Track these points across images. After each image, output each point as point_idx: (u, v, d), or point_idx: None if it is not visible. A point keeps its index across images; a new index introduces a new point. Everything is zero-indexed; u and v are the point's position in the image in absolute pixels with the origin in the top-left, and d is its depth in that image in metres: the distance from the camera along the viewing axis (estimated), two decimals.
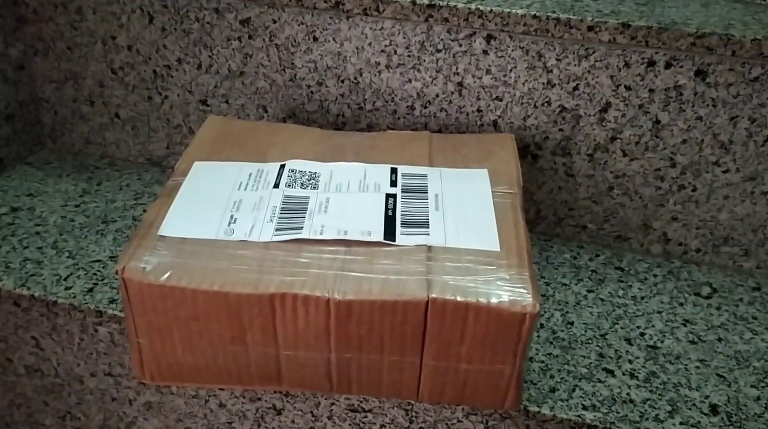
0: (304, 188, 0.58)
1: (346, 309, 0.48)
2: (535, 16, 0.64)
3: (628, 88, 0.66)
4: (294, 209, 0.55)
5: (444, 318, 0.49)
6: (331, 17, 0.70)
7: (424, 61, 0.70)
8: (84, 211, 0.76)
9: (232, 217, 0.55)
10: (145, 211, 0.76)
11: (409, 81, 0.71)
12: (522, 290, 0.49)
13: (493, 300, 0.48)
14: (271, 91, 0.76)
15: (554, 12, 0.64)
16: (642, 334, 0.63)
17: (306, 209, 0.55)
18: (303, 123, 0.77)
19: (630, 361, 0.60)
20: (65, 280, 0.66)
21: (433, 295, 0.48)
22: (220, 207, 0.56)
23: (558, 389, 0.57)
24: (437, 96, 0.71)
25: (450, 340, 0.49)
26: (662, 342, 0.62)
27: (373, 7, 0.67)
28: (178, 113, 0.81)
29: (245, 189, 0.58)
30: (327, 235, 0.52)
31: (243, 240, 0.52)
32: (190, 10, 0.74)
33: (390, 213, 0.55)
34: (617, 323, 0.64)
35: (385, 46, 0.70)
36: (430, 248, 0.52)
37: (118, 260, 0.51)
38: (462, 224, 0.54)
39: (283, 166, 0.60)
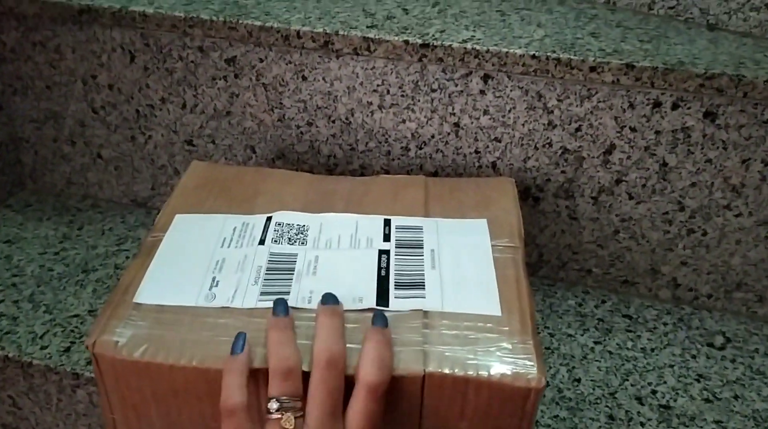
0: (292, 244, 0.54)
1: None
2: (534, 56, 0.61)
3: (633, 129, 0.62)
4: (280, 269, 0.52)
5: (442, 393, 0.45)
6: (320, 56, 0.67)
7: (419, 101, 0.66)
8: (63, 260, 0.72)
9: (213, 279, 0.51)
10: (127, 257, 0.73)
11: (404, 121, 0.68)
12: (526, 362, 0.45)
13: (495, 373, 0.44)
14: (259, 132, 0.73)
15: (554, 51, 0.61)
16: (654, 393, 0.59)
17: (293, 270, 0.52)
18: (293, 164, 0.74)
19: (642, 424, 0.56)
20: (41, 338, 0.62)
21: (430, 369, 0.44)
22: (202, 267, 0.52)
23: None
24: (433, 137, 0.68)
25: (448, 417, 0.46)
26: (675, 401, 0.59)
27: (364, 46, 0.64)
28: (163, 153, 0.77)
29: (229, 246, 0.54)
30: (315, 303, 0.49)
31: (225, 306, 0.49)
32: (173, 48, 0.70)
33: (383, 273, 0.52)
34: (627, 379, 0.61)
35: (378, 85, 0.67)
36: (426, 313, 0.48)
37: (89, 333, 0.47)
38: (460, 284, 0.51)
39: (269, 219, 0.57)
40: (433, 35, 0.63)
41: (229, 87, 0.71)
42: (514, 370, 0.44)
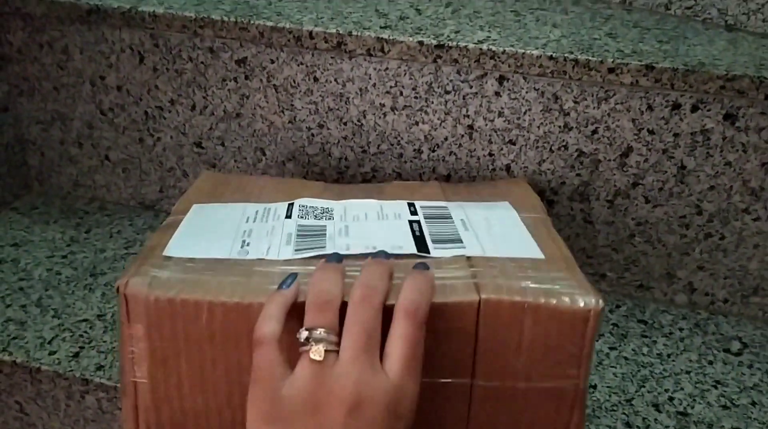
0: (319, 219, 0.52)
1: (385, 319, 0.42)
2: (551, 57, 0.60)
3: (651, 131, 0.61)
4: (311, 235, 0.50)
5: (498, 322, 0.42)
6: (332, 57, 0.66)
7: (432, 102, 0.65)
8: (71, 263, 0.72)
9: (244, 241, 0.49)
10: None
11: (416, 123, 0.67)
12: (581, 288, 0.43)
13: (551, 298, 0.42)
14: (269, 134, 0.72)
15: (572, 53, 0.60)
16: (671, 399, 0.58)
17: (325, 234, 0.50)
18: (303, 166, 0.73)
19: None
20: (49, 343, 0.61)
21: (485, 296, 0.42)
22: (230, 234, 0.50)
23: None
24: (446, 139, 0.67)
25: (505, 350, 0.43)
26: (692, 408, 0.58)
27: (378, 47, 0.63)
28: (172, 156, 0.77)
29: (254, 221, 0.52)
30: (354, 251, 0.47)
31: (260, 258, 0.47)
32: (182, 49, 0.69)
33: (417, 234, 0.50)
34: (643, 386, 0.60)
35: (391, 87, 0.66)
36: (469, 258, 0.46)
37: (119, 278, 0.44)
38: (497, 239, 0.49)
39: (291, 205, 0.55)
40: (448, 36, 0.62)
41: (240, 88, 0.70)
42: (571, 295, 0.42)
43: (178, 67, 0.71)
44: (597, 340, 0.65)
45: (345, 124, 0.69)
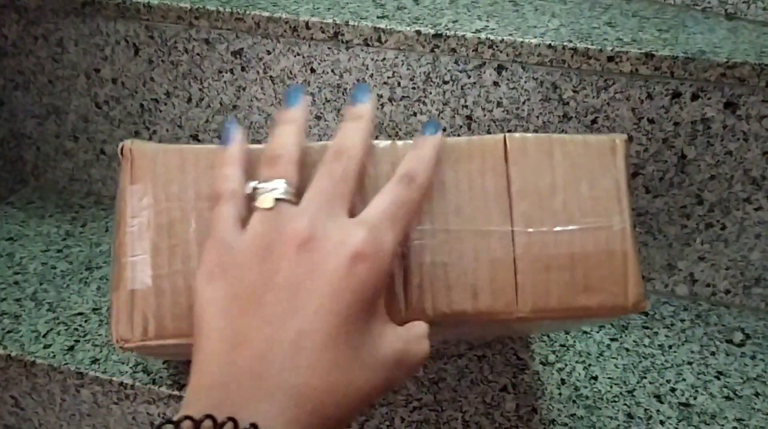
0: None
1: None
2: (550, 46, 0.59)
3: (651, 121, 0.61)
4: None
5: (527, 158, 0.41)
6: (329, 48, 0.65)
7: (431, 93, 0.65)
8: (67, 257, 0.71)
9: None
10: None
11: (414, 114, 0.66)
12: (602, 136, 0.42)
13: (577, 136, 0.41)
14: (266, 126, 0.71)
15: (570, 41, 0.59)
16: (673, 390, 0.58)
17: None
18: None
19: (662, 422, 0.55)
20: (44, 336, 0.61)
21: (510, 133, 0.41)
22: None
23: None
24: (444, 130, 0.66)
25: (540, 190, 0.41)
26: (695, 399, 0.57)
27: (375, 37, 0.62)
28: None
29: None
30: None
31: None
32: (178, 41, 0.69)
33: None
34: (645, 377, 0.59)
35: (388, 77, 0.65)
36: None
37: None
38: None
39: None
40: (446, 25, 0.62)
41: (236, 80, 0.70)
42: (595, 135, 0.42)
43: (173, 59, 0.70)
44: (598, 332, 0.64)
45: (343, 115, 0.68)
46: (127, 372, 0.57)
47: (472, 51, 0.61)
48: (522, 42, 0.60)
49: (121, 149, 0.40)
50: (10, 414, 0.64)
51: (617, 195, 0.41)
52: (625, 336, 0.64)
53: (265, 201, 0.35)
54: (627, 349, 0.62)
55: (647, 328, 0.65)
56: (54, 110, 0.77)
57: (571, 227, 0.41)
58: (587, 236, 0.40)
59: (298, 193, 0.36)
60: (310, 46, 0.65)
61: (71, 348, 0.60)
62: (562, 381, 0.58)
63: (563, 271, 0.40)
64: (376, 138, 0.70)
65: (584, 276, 0.41)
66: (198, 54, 0.69)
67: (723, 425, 0.55)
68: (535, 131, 0.64)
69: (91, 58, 0.73)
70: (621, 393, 0.58)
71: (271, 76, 0.68)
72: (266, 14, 0.64)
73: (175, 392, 0.56)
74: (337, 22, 0.63)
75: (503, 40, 0.60)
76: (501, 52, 0.61)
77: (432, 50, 0.62)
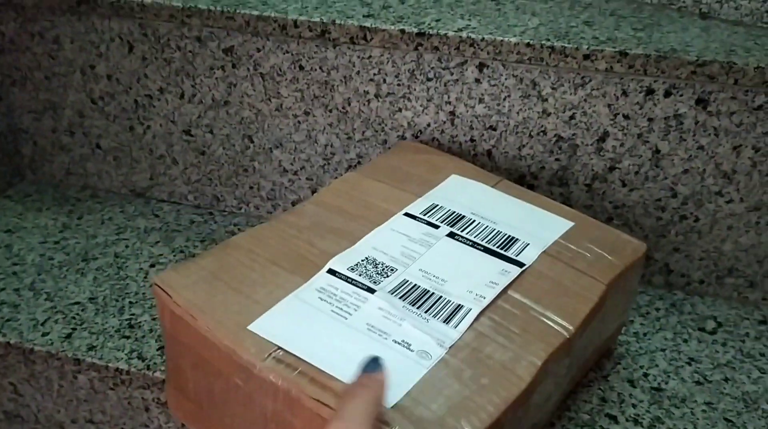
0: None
1: None
2: (528, 45, 0.61)
3: (626, 116, 0.63)
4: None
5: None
6: (317, 46, 0.67)
7: (415, 89, 0.67)
8: (64, 248, 0.73)
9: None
10: (127, 247, 0.74)
11: (400, 110, 0.69)
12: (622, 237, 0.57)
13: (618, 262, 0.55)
14: (256, 121, 0.73)
15: (548, 40, 0.61)
16: (645, 375, 0.60)
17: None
18: (290, 153, 0.74)
19: (634, 406, 0.57)
20: (42, 325, 0.63)
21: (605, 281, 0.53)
22: None
23: None
24: (429, 125, 0.69)
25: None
26: (666, 383, 0.60)
27: (360, 35, 0.65)
28: (161, 143, 0.78)
29: None
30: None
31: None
32: (170, 38, 0.71)
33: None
34: (619, 363, 0.62)
35: (374, 74, 0.67)
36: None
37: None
38: (528, 227, 0.58)
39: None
40: (429, 24, 0.64)
41: (227, 77, 0.72)
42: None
43: (166, 56, 0.72)
44: None
45: (330, 111, 0.71)
46: (122, 358, 0.59)
47: (455, 49, 0.63)
48: (502, 41, 0.62)
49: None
50: (9, 400, 0.67)
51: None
52: None
53: None
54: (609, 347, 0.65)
55: None
56: (50, 106, 0.79)
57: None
58: None
59: None
60: (298, 44, 0.68)
61: (68, 336, 0.62)
62: None
63: None
64: (363, 134, 0.72)
65: None
66: (190, 51, 0.71)
67: (692, 408, 0.57)
68: (516, 127, 0.66)
69: (86, 55, 0.75)
70: (596, 378, 0.60)
71: (261, 73, 0.70)
72: (256, 13, 0.66)
73: None
74: (325, 20, 0.65)
75: (484, 38, 0.62)
76: (482, 50, 0.63)
77: (416, 48, 0.64)
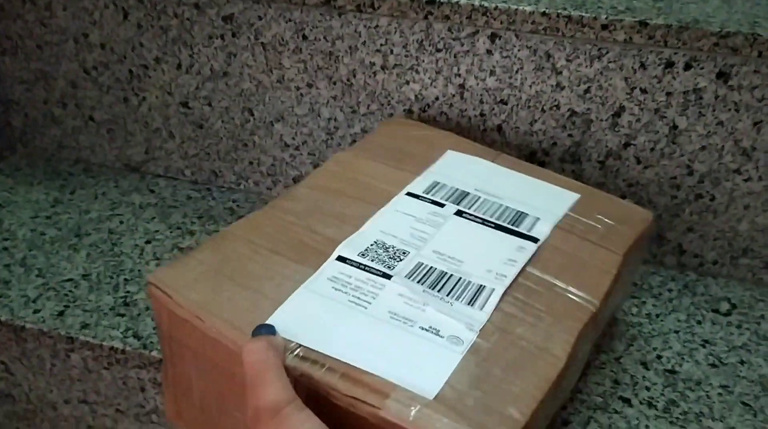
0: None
1: None
2: (544, 14, 0.59)
3: (643, 90, 0.61)
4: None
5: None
6: (321, 14, 0.64)
7: (423, 61, 0.64)
8: (56, 224, 0.71)
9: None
10: (121, 222, 0.71)
11: (407, 83, 0.66)
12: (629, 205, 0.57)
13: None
14: (257, 93, 0.71)
15: (565, 9, 0.59)
16: (659, 357, 0.59)
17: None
18: (292, 127, 0.72)
19: (647, 389, 0.56)
20: (34, 302, 0.61)
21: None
22: None
23: (572, 421, 0.52)
24: (437, 99, 0.66)
25: None
26: (681, 366, 0.58)
27: (368, 3, 0.62)
28: (157, 116, 0.75)
29: None
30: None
31: None
32: (167, 5, 0.68)
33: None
34: (632, 345, 0.60)
35: (381, 45, 0.65)
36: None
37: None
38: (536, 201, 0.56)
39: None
40: None
41: (227, 46, 0.69)
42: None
43: (163, 24, 0.69)
44: None
45: (334, 83, 0.68)
46: (117, 337, 0.57)
47: (466, 18, 0.61)
48: (516, 9, 0.59)
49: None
50: (1, 379, 0.65)
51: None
52: None
53: None
54: (615, 318, 0.63)
55: (635, 297, 0.65)
56: (42, 76, 0.76)
57: None
58: None
59: None
60: (302, 11, 0.65)
61: (61, 313, 0.59)
62: None
63: None
64: (368, 107, 0.70)
65: None
66: (188, 19, 0.68)
67: (708, 392, 0.56)
68: (528, 101, 0.64)
69: (79, 22, 0.71)
70: (609, 360, 0.58)
71: (262, 43, 0.68)
72: None
73: None
74: None
75: (497, 7, 0.59)
76: (495, 19, 0.60)
77: (425, 17, 0.62)
